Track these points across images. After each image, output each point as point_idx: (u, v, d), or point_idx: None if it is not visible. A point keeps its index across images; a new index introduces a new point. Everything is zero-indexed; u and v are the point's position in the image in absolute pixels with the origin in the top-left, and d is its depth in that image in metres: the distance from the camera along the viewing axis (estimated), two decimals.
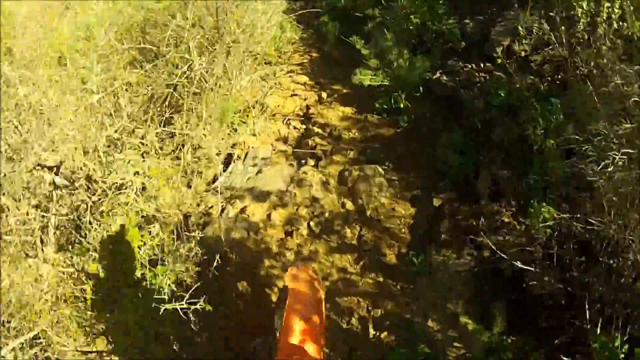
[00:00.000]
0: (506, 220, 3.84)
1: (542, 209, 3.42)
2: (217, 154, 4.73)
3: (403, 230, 4.10)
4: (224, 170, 4.75)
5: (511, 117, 4.24)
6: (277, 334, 2.68)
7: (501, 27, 4.88)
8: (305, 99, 5.26)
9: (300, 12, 5.65)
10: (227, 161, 4.85)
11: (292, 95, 5.33)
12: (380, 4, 5.35)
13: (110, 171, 3.40)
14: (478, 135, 4.34)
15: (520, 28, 4.60)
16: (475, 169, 4.16)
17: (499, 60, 4.74)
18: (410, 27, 4.86)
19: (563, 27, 4.33)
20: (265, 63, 5.52)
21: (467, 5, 5.28)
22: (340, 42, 5.67)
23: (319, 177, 4.47)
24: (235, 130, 4.97)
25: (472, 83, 4.65)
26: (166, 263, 3.66)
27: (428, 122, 4.65)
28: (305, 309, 2.62)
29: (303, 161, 4.70)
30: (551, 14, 4.53)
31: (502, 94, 4.20)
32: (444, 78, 4.78)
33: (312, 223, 4.16)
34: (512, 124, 4.20)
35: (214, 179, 4.69)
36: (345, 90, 5.29)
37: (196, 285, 3.36)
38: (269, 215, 4.26)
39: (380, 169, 4.35)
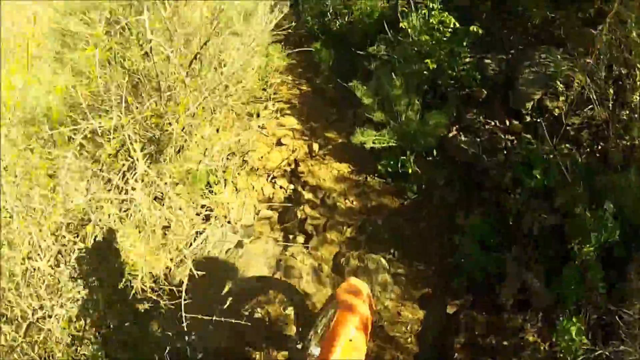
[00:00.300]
0: (531, 339, 3.19)
1: (573, 333, 2.86)
2: (191, 219, 3.93)
3: (409, 339, 3.41)
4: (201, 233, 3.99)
5: (545, 200, 3.52)
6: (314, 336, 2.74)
7: (531, 73, 4.05)
8: (293, 151, 4.41)
9: (292, 50, 4.66)
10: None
11: (277, 144, 4.48)
12: (382, 32, 4.43)
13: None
14: (503, 220, 3.61)
15: (558, 83, 3.79)
16: (498, 267, 3.44)
17: (528, 119, 3.97)
18: (425, 72, 3.99)
19: (611, 90, 3.57)
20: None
21: (485, 38, 4.37)
22: (335, 73, 4.79)
23: (310, 263, 3.72)
24: (211, 191, 4.15)
25: (496, 147, 3.86)
26: None
27: (441, 194, 3.87)
28: (354, 322, 2.43)
29: (291, 236, 3.94)
30: (588, 60, 3.77)
31: (538, 176, 3.43)
32: (462, 137, 3.97)
33: (302, 329, 3.45)
34: (545, 211, 3.49)
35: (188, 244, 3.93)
36: (340, 140, 4.44)
37: None
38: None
39: (384, 262, 3.60)
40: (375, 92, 4.15)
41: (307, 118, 4.67)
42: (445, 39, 3.92)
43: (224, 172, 4.22)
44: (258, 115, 4.66)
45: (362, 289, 2.67)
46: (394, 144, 3.89)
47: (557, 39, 4.30)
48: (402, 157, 3.89)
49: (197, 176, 3.91)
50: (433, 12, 3.92)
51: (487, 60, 4.29)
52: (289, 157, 4.37)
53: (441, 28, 3.93)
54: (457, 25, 3.84)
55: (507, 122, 4.00)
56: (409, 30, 4.11)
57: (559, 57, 4.02)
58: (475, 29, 3.86)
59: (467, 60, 4.22)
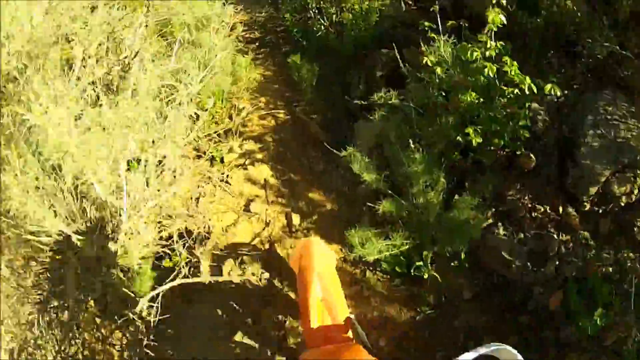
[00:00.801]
0: None
1: None
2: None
3: None
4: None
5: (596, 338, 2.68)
6: None
7: (596, 137, 2.92)
8: (267, 223, 3.27)
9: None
10: None
11: (245, 210, 3.31)
12: (383, 45, 3.11)
13: None
14: (544, 356, 2.77)
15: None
16: None
17: (587, 206, 2.94)
18: (459, 139, 2.80)
19: None
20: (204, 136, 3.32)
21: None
22: (320, 97, 3.49)
23: None
24: (173, 269, 3.09)
25: (545, 251, 2.85)
26: None
27: (466, 312, 2.94)
28: (314, 280, 2.24)
29: (270, 352, 3.01)
30: None
31: (599, 321, 2.53)
32: (500, 232, 2.92)
33: None
34: (594, 348, 2.68)
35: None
36: (328, 206, 3.31)
37: None
38: None
39: None
40: (379, 155, 2.97)
41: (284, 166, 3.45)
42: (504, 100, 2.67)
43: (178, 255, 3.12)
44: (222, 161, 3.41)
45: (306, 244, 2.44)
46: (406, 247, 2.83)
47: (615, 77, 3.15)
48: (417, 263, 2.85)
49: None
50: (487, 53, 2.61)
51: (534, 105, 3.09)
52: (260, 232, 3.24)
53: (497, 83, 2.65)
54: (534, 88, 2.57)
55: (561, 208, 2.96)
56: (437, 69, 2.81)
57: (626, 111, 2.92)
58: (553, 90, 2.59)
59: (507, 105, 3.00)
